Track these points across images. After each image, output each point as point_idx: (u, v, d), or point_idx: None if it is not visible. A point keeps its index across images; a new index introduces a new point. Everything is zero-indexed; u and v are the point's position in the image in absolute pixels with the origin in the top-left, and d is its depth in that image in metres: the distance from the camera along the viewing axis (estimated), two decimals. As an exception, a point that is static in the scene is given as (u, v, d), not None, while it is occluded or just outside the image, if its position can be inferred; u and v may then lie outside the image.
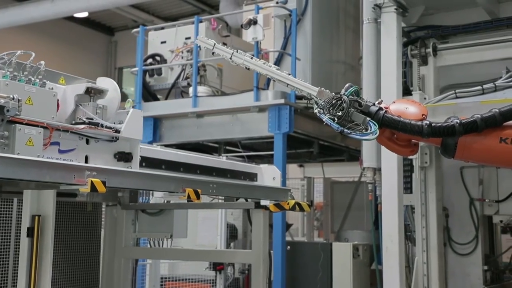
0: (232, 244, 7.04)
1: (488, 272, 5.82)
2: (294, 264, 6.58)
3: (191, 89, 7.41)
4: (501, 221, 5.80)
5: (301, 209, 4.24)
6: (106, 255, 4.38)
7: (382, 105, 2.79)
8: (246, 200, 4.28)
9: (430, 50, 5.51)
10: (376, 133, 2.66)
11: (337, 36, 7.96)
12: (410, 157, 5.45)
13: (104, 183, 2.47)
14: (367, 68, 6.00)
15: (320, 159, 9.29)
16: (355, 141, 8.06)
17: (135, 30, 7.97)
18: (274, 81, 3.31)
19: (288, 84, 3.10)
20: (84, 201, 4.20)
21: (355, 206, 8.46)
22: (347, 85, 2.83)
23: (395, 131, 2.73)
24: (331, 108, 2.75)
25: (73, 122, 2.81)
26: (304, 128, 7.28)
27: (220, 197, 4.57)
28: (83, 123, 2.78)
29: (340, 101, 2.73)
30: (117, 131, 2.93)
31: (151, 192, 4.54)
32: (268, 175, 4.36)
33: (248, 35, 6.98)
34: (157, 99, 7.91)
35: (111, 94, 3.00)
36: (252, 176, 4.27)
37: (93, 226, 4.33)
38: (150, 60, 7.92)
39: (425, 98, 5.36)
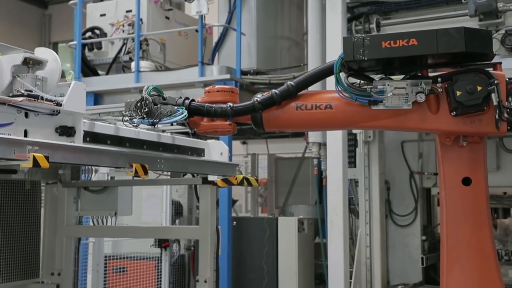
0: (177, 221, 6.97)
1: (426, 242, 6.06)
2: (240, 239, 6.61)
3: (133, 64, 7.21)
4: (439, 193, 6.02)
5: (249, 184, 4.23)
6: (47, 235, 4.24)
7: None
8: (193, 176, 4.23)
9: (373, 25, 5.58)
10: (184, 113, 2.87)
11: (282, 11, 7.93)
12: (354, 131, 5.55)
13: (47, 158, 2.35)
14: (312, 44, 6.02)
15: (265, 135, 9.32)
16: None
17: (72, 1, 7.63)
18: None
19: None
20: (22, 179, 4.01)
21: (300, 181, 8.57)
22: (145, 86, 2.99)
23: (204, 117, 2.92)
24: (138, 110, 2.94)
25: (10, 94, 2.64)
26: (250, 104, 7.24)
27: (166, 173, 4.50)
28: (22, 95, 2.62)
29: (143, 101, 2.93)
30: (59, 104, 2.78)
31: (94, 169, 4.41)
32: (215, 150, 4.31)
33: (192, 9, 6.83)
34: (98, 74, 7.65)
35: (51, 65, 2.84)
36: (200, 152, 4.21)
37: (32, 205, 4.16)
38: (89, 34, 7.63)
39: (369, 74, 5.44)
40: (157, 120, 2.94)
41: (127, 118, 3.02)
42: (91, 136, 3.10)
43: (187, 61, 7.64)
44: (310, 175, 8.04)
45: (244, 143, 12.38)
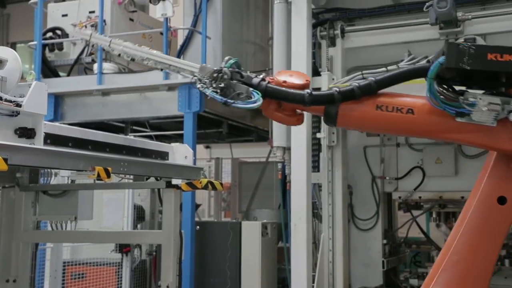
0: (139, 226, 6.88)
1: (387, 246, 6.15)
2: (203, 244, 6.56)
3: (95, 66, 7.08)
4: (399, 197, 6.14)
5: (214, 187, 4.21)
6: (3, 240, 4.12)
7: (266, 78, 2.86)
8: (157, 180, 4.18)
9: (338, 32, 5.65)
10: (259, 101, 2.74)
11: (247, 16, 7.94)
12: (318, 136, 5.60)
13: (6, 160, 2.28)
14: (277, 49, 6.04)
15: (229, 139, 9.30)
16: (264, 121, 8.15)
17: (32, 1, 7.44)
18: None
19: (170, 65, 3.06)
20: (-24, 183, 3.89)
21: (263, 185, 8.58)
22: (226, 58, 2.88)
23: (280, 101, 2.79)
24: (213, 81, 2.83)
25: (-32, 94, 2.56)
26: (214, 108, 7.23)
27: (129, 176, 4.43)
28: (-21, 95, 2.54)
29: (221, 74, 2.81)
30: (18, 105, 2.71)
31: (53, 172, 4.31)
32: (179, 154, 4.28)
33: (157, 11, 6.76)
34: (58, 76, 7.48)
35: (11, 65, 2.77)
36: (164, 155, 4.16)
37: (-13, 210, 4.03)
38: (50, 34, 7.46)
39: (333, 79, 5.51)
40: (232, 101, 2.80)
41: (199, 84, 2.84)
42: (52, 138, 3.03)
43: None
44: (274, 179, 8.06)
45: (207, 147, 12.32)
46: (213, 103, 7.23)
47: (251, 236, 6.39)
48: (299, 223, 5.30)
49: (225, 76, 2.81)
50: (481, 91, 2.58)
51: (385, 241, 6.08)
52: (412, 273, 6.60)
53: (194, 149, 6.28)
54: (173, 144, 4.35)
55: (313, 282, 5.27)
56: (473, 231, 2.67)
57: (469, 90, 2.57)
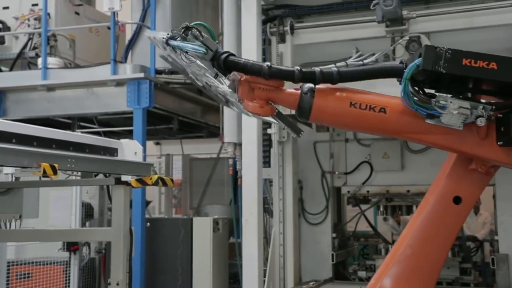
0: (87, 224, 6.74)
1: (336, 239, 6.28)
2: (154, 240, 6.50)
3: (40, 60, 6.87)
4: (348, 192, 6.27)
5: (164, 184, 4.17)
6: None
7: None
8: (106, 176, 4.10)
9: (287, 28, 5.70)
10: (200, 50, 2.61)
11: (197, 11, 7.89)
12: (269, 132, 5.64)
13: None
14: (228, 44, 6.04)
15: (179, 135, 9.23)
16: (214, 117, 8.14)
17: (-28, -8, 7.15)
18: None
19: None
20: None
21: (214, 182, 8.57)
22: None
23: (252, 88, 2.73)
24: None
25: None
26: (164, 104, 7.16)
27: (76, 173, 4.32)
28: None
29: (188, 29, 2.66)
30: (-42, 100, 2.60)
31: (-4, 169, 4.16)
32: (129, 150, 4.21)
33: (104, 5, 6.62)
34: (0, 70, 7.22)
35: (-51, 58, 2.65)
36: (113, 151, 4.08)
37: None
38: (-10, 27, 7.19)
39: (283, 75, 5.55)
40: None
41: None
42: (-5, 134, 2.92)
43: (98, 58, 7.41)
44: (225, 175, 8.07)
45: (157, 143, 12.19)
46: (163, 98, 7.19)
47: (203, 232, 6.38)
48: (251, 218, 5.33)
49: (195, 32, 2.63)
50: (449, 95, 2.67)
51: (334, 235, 6.20)
52: (360, 265, 6.76)
53: (144, 145, 6.20)
54: (122, 140, 4.27)
55: (265, 276, 5.31)
56: (428, 227, 2.76)
57: (438, 94, 2.65)
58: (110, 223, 4.15)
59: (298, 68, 2.69)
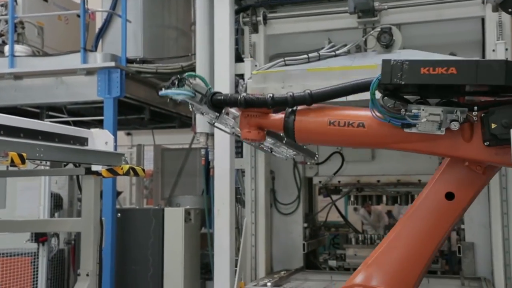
0: (56, 215, 6.63)
1: (307, 229, 6.32)
2: (125, 231, 6.45)
3: (7, 48, 6.71)
4: (320, 182, 6.32)
5: (136, 174, 4.13)
6: None
7: None
8: (76, 166, 4.04)
9: (260, 18, 5.69)
10: (187, 93, 2.93)
11: (168, 1, 7.81)
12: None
13: None
14: (200, 34, 5.99)
15: (151, 126, 9.15)
16: (186, 108, 8.07)
17: None
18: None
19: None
20: None
21: (186, 172, 8.53)
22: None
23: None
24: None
25: None
26: (135, 93, 7.08)
27: (45, 163, 4.25)
28: None
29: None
30: None
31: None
32: (99, 139, 4.15)
33: (74, -9, 6.50)
34: (-36, 57, 7.02)
35: None
36: (83, 141, 4.02)
37: None
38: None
39: (256, 65, 5.55)
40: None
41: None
42: (-40, 122, 2.85)
43: (67, 47, 7.27)
44: (198, 166, 8.03)
45: (128, 134, 12.07)
46: (134, 88, 7.10)
47: (174, 222, 6.36)
48: (223, 208, 5.33)
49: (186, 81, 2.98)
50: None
51: (305, 225, 6.25)
52: (331, 254, 6.85)
53: (114, 135, 6.12)
54: (92, 130, 4.21)
55: (236, 266, 5.33)
56: (417, 219, 2.81)
57: (410, 103, 2.67)
58: (80, 214, 4.10)
59: (270, 95, 2.87)
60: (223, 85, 5.42)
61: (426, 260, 2.74)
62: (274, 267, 5.95)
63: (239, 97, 2.94)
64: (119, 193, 7.54)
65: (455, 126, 2.55)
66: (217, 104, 3.02)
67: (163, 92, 2.95)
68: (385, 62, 2.63)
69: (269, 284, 4.94)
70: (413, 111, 2.61)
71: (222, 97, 3.00)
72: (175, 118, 8.66)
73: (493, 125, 2.47)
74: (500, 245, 4.90)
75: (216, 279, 5.34)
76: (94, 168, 4.03)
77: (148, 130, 9.73)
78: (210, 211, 6.32)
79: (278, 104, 2.87)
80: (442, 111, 2.57)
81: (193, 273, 6.57)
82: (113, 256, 6.20)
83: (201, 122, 6.04)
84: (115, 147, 4.44)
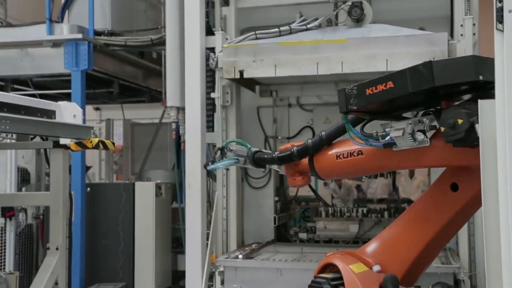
0: (23, 189, 6.52)
1: (278, 203, 6.38)
2: (95, 206, 6.40)
3: (-32, 18, 6.49)
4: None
5: (105, 147, 4.08)
6: None
7: None
8: (43, 139, 3.97)
9: (230, -10, 5.62)
10: (231, 161, 3.30)
11: (138, -29, 7.64)
12: (212, 96, 5.60)
13: None
14: (170, 7, 5.90)
15: (120, 100, 9.03)
16: (157, 81, 7.99)
17: None
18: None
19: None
20: None
21: (157, 147, 8.48)
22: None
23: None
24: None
25: None
26: (104, 67, 6.96)
27: (11, 136, 4.16)
28: None
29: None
30: None
31: None
32: (68, 112, 4.07)
33: (38, -40, 6.29)
34: None
35: None
36: (50, 114, 3.94)
37: None
38: None
39: (227, 39, 5.50)
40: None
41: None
42: None
43: (32, 17, 7.07)
44: (168, 140, 7.99)
45: (97, 109, 11.88)
46: (103, 61, 6.97)
47: (145, 196, 6.33)
48: (194, 182, 5.32)
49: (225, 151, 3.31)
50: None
51: (276, 198, 6.29)
52: (301, 227, 6.93)
53: (83, 110, 6.02)
54: (60, 103, 4.13)
55: (208, 240, 5.35)
56: (422, 204, 2.88)
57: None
58: (48, 188, 4.05)
59: (295, 149, 3.12)
60: (193, 59, 5.37)
61: (422, 247, 2.76)
62: (245, 240, 6.00)
63: (273, 156, 3.20)
64: (88, 168, 7.45)
65: (419, 136, 2.51)
66: (258, 162, 3.26)
67: (210, 166, 3.30)
68: (340, 92, 2.70)
69: (240, 256, 4.99)
70: (386, 130, 2.62)
71: (263, 156, 3.25)
72: (145, 92, 8.56)
73: (442, 129, 2.40)
74: (465, 216, 5.03)
75: (187, 252, 5.36)
76: (62, 141, 3.97)
77: (117, 104, 9.60)
78: (181, 185, 6.32)
79: (301, 154, 3.10)
80: (410, 123, 2.54)
81: (164, 247, 6.59)
82: (83, 230, 6.17)
83: (172, 95, 5.99)
84: (84, 120, 4.37)
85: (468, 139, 2.30)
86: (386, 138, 2.60)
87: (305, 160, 3.16)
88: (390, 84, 2.51)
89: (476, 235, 4.99)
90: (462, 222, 2.83)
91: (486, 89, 2.41)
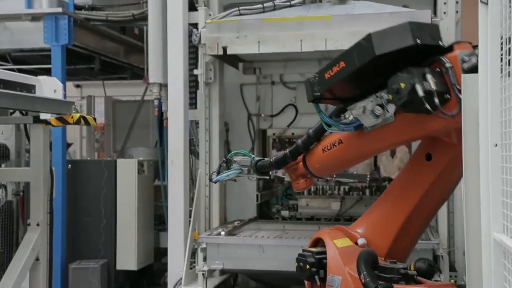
0: (3, 166, 6.43)
1: (260, 181, 6.38)
2: (76, 183, 6.34)
3: None
4: (274, 134, 6.36)
5: (87, 122, 4.05)
6: None
7: None
8: (23, 114, 3.91)
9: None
10: (235, 172, 3.38)
11: None
12: (195, 72, 5.57)
13: None
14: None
15: (102, 77, 8.91)
16: (139, 58, 7.89)
17: None
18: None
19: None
20: None
21: (139, 125, 8.41)
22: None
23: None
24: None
25: None
26: (85, 42, 6.85)
27: (-10, 111, 4.09)
28: None
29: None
30: None
31: None
32: (48, 87, 4.01)
33: None
34: None
35: None
36: (30, 88, 3.88)
37: None
38: None
39: (210, 15, 5.44)
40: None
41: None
42: None
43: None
44: (151, 118, 7.93)
45: (78, 86, 11.72)
46: (84, 36, 6.85)
47: (127, 174, 6.30)
48: (176, 160, 5.30)
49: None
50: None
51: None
52: (283, 205, 6.97)
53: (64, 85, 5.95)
54: (40, 77, 4.07)
55: (190, 217, 5.36)
56: (402, 176, 2.95)
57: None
58: (29, 164, 4.00)
59: (288, 150, 3.19)
60: (176, 35, 5.30)
61: (403, 219, 2.80)
62: (228, 218, 6.02)
63: (270, 161, 3.25)
64: (69, 145, 7.37)
65: (378, 110, 2.54)
66: (261, 169, 3.32)
67: (216, 178, 3.37)
68: (306, 82, 2.78)
69: (223, 233, 5.01)
70: (352, 111, 2.67)
71: (265, 163, 3.29)
72: (127, 68, 8.46)
73: (391, 97, 2.43)
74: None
75: (170, 229, 5.37)
76: (43, 116, 3.92)
77: (99, 81, 9.48)
78: (164, 163, 6.29)
79: (294, 154, 3.14)
80: (371, 100, 2.57)
81: (147, 224, 6.58)
82: (64, 207, 6.13)
83: (154, 72, 5.93)
84: (64, 96, 4.31)
85: (413, 102, 2.32)
86: (352, 118, 2.67)
87: (299, 164, 3.22)
88: (342, 64, 2.56)
89: (455, 212, 5.07)
90: (441, 192, 2.87)
91: (431, 54, 2.45)
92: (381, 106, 2.54)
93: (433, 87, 2.29)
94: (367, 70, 2.48)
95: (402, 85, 2.34)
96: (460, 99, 2.21)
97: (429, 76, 2.31)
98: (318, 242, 3.00)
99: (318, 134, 3.04)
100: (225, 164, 3.33)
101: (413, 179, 2.82)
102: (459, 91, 2.24)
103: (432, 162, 2.71)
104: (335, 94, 2.73)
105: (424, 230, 3.25)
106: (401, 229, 2.83)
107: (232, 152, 3.36)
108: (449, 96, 2.34)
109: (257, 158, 3.32)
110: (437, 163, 2.69)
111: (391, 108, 2.52)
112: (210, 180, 3.44)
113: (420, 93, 2.25)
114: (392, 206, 2.88)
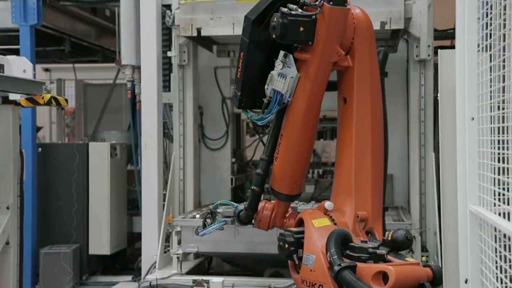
0: (-29, 151, 6.28)
1: (235, 164, 6.38)
2: (47, 166, 6.23)
3: None
4: (248, 118, 6.33)
5: (58, 103, 3.98)
6: None
7: None
8: (-9, 95, 3.81)
9: None
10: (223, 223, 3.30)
11: None
12: (169, 54, 5.50)
13: None
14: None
15: (72, 59, 8.74)
16: (110, 40, 7.75)
17: None
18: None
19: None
20: None
21: (111, 108, 8.29)
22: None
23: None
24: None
25: None
26: (54, 23, 6.69)
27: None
28: None
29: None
30: None
31: None
32: (17, 67, 3.92)
33: None
34: None
35: None
36: (-2, 67, 3.78)
37: None
38: None
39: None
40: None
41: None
42: None
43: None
44: (123, 101, 7.82)
45: (47, 70, 11.46)
46: (53, 16, 6.69)
47: (99, 157, 6.21)
48: (150, 142, 5.25)
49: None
50: None
51: (233, 160, 6.29)
52: (257, 189, 6.97)
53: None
54: (8, 57, 3.96)
55: (164, 200, 5.32)
56: (338, 128, 3.07)
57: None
58: (-3, 146, 3.91)
59: (252, 186, 3.17)
60: (149, 16, 5.22)
61: (354, 161, 2.94)
62: (202, 201, 6.00)
63: (245, 206, 3.23)
64: (39, 129, 7.23)
65: (279, 65, 2.79)
66: (243, 219, 3.26)
67: (202, 232, 3.31)
68: (232, 93, 3.05)
69: (197, 216, 4.99)
70: (267, 89, 2.86)
71: (242, 215, 3.25)
72: (98, 51, 8.31)
73: (273, 35, 2.70)
74: (417, 175, 5.19)
75: (144, 213, 5.33)
76: (12, 97, 3.84)
77: (69, 65, 9.29)
78: (137, 147, 6.22)
79: (259, 184, 3.13)
80: (275, 68, 2.83)
81: (120, 208, 6.52)
82: (34, 190, 6.01)
83: (127, 54, 5.83)
84: (34, 76, 4.21)
85: (286, 31, 2.65)
86: (269, 95, 2.84)
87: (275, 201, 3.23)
88: (241, 54, 2.89)
89: (427, 193, 5.16)
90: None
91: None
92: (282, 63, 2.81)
93: (299, 10, 2.67)
94: (263, 52, 2.86)
95: (275, 18, 2.67)
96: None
97: (291, 5, 2.69)
98: (302, 222, 3.02)
99: (270, 154, 3.08)
100: (210, 215, 3.30)
101: (343, 123, 3.00)
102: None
103: (348, 104, 2.94)
104: (257, 93, 2.91)
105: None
106: (355, 177, 2.93)
107: (215, 204, 3.33)
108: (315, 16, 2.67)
109: (240, 207, 3.28)
110: (350, 104, 2.94)
111: (289, 60, 2.79)
112: (197, 233, 3.40)
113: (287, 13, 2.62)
114: (341, 155, 3.00)
